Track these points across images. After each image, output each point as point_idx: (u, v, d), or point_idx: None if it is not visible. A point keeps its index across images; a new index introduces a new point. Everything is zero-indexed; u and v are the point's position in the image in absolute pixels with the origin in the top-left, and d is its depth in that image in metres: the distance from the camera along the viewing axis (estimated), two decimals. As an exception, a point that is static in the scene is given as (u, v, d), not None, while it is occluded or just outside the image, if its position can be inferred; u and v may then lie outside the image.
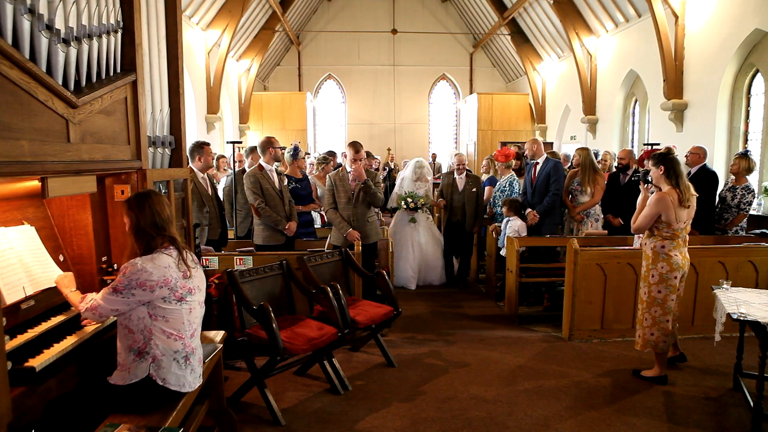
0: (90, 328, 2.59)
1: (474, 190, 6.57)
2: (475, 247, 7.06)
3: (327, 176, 5.28)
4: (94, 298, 2.35)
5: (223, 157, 7.79)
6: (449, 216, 6.73)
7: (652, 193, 3.88)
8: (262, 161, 4.97)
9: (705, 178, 5.63)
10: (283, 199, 4.98)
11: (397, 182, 7.34)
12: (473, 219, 6.60)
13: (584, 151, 6.05)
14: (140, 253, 2.35)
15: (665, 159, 3.79)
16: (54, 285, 2.61)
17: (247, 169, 5.67)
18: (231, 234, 6.03)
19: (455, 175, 6.72)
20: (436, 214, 7.65)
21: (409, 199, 6.64)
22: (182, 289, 2.37)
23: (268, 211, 4.85)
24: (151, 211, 2.37)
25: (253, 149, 6.63)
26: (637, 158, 6.69)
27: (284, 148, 5.65)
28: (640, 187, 4.07)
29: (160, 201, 2.44)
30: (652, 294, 3.85)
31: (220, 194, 6.24)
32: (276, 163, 5.15)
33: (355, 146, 4.99)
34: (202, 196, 4.78)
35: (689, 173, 5.76)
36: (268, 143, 4.97)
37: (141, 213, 2.37)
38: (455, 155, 6.88)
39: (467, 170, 6.92)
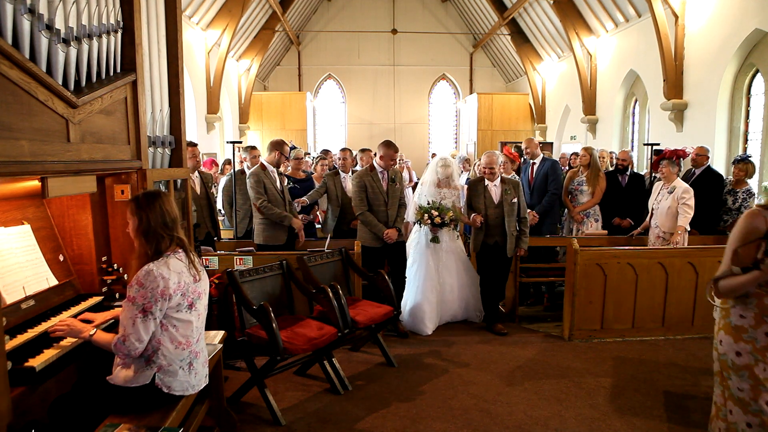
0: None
1: (514, 200, 4.93)
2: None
3: (356, 175, 5.02)
4: (120, 331, 2.20)
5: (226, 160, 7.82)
6: (484, 237, 4.97)
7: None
8: (264, 160, 4.95)
9: (710, 179, 5.64)
10: (284, 199, 4.98)
11: (416, 190, 5.64)
12: (516, 239, 4.94)
13: (591, 149, 6.01)
14: (150, 254, 2.28)
15: None
16: (51, 285, 2.60)
17: (246, 170, 5.67)
18: (227, 234, 6.04)
19: (486, 183, 5.00)
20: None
21: (435, 212, 4.90)
22: (193, 293, 2.34)
23: (271, 208, 4.79)
24: (161, 211, 2.30)
25: (248, 148, 6.67)
26: (650, 161, 6.58)
27: (293, 148, 5.62)
28: None
29: (170, 200, 2.39)
30: None
31: (220, 196, 6.26)
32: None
33: (393, 145, 4.95)
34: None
35: (694, 174, 5.77)
36: (278, 146, 4.90)
37: (152, 213, 2.28)
38: (485, 155, 5.07)
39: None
